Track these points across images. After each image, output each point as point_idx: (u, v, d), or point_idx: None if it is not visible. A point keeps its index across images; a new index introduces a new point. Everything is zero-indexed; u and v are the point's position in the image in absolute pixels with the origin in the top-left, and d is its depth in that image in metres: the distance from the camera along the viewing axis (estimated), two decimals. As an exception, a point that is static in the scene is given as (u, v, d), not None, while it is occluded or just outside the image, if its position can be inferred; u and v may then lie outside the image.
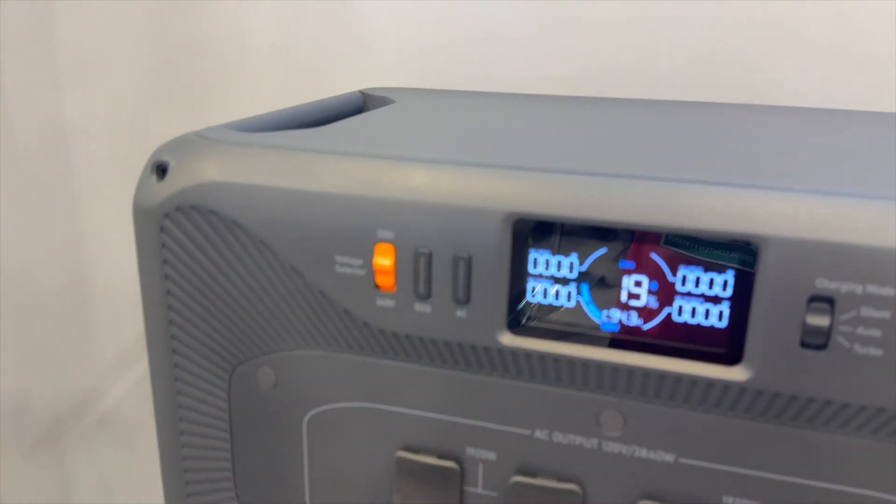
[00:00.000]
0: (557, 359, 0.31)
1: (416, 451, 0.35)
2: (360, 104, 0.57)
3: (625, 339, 0.30)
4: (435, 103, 0.53)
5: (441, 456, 0.34)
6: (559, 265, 0.31)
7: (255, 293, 0.35)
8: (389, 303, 0.32)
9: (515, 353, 0.31)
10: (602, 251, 0.30)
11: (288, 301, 0.34)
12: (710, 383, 0.28)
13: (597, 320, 0.31)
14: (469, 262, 0.30)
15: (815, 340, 0.27)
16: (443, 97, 0.56)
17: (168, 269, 0.37)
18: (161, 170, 0.38)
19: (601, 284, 0.30)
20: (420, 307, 0.32)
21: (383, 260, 0.32)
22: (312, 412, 0.36)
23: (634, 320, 0.30)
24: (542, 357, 0.31)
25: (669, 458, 0.30)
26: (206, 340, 0.37)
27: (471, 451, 0.34)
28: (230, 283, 0.35)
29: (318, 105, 0.51)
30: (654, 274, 0.30)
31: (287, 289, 0.34)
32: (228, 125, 0.42)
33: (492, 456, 0.33)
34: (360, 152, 0.33)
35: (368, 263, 0.32)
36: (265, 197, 0.33)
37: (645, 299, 0.30)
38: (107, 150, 0.72)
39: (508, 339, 0.31)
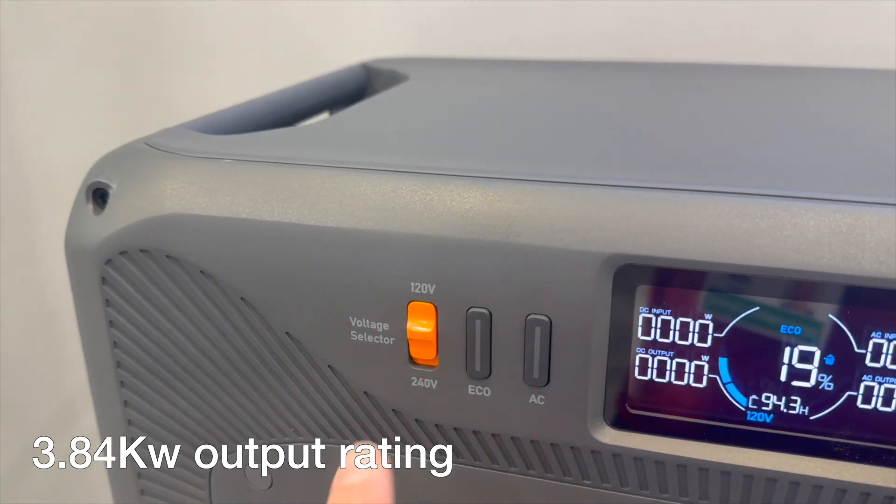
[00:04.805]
0: (682, 464, 0.25)
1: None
2: (363, 81, 0.47)
3: (783, 434, 0.24)
4: (464, 79, 0.44)
5: (511, 591, 0.28)
6: (686, 330, 0.24)
7: (236, 367, 0.28)
8: (430, 383, 0.26)
9: (619, 455, 0.25)
10: (752, 310, 0.23)
11: (283, 378, 0.27)
12: (915, 502, 0.23)
13: (741, 407, 0.25)
14: (549, 328, 0.24)
15: None
16: (469, 69, 0.47)
17: (116, 333, 0.29)
18: (100, 196, 0.29)
19: (748, 357, 0.24)
20: (475, 389, 0.25)
21: (420, 325, 0.25)
22: (325, 526, 0.29)
23: (799, 408, 0.24)
24: (659, 462, 0.25)
25: None
26: (173, 427, 0.30)
27: (552, 583, 0.28)
28: (202, 353, 0.28)
29: (309, 86, 0.41)
30: (832, 342, 0.23)
31: (281, 362, 0.27)
32: (190, 124, 0.33)
33: (583, 591, 0.28)
34: (381, 165, 0.26)
35: (399, 329, 0.26)
36: (246, 236, 0.26)
37: (816, 378, 0.24)
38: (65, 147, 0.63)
39: (608, 437, 0.25)
